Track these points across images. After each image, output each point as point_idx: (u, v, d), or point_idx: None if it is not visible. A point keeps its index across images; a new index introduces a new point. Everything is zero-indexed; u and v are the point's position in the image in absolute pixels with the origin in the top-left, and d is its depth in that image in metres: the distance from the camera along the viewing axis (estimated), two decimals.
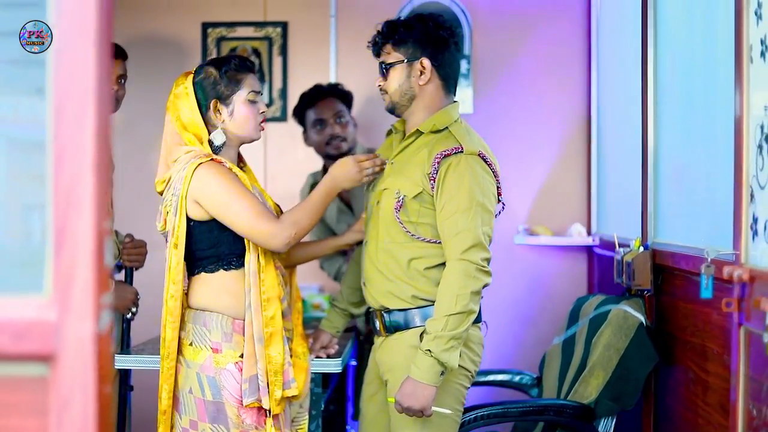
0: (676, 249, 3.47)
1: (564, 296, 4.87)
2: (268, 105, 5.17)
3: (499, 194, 3.22)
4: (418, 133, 3.23)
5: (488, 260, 3.12)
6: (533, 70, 5.10)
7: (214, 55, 5.14)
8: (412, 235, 3.16)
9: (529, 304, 5.07)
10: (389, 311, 3.22)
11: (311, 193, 3.19)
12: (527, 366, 4.61)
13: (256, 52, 5.16)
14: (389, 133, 3.43)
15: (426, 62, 3.21)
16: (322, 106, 4.62)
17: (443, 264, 3.14)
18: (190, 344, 3.09)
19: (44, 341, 1.51)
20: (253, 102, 3.17)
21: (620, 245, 3.98)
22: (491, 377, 4.19)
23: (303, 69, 5.17)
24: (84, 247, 1.52)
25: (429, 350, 3.01)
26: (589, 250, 5.03)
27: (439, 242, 3.15)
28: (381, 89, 3.30)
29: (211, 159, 3.08)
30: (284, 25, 5.16)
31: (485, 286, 3.13)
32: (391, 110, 3.31)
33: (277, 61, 5.16)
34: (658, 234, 3.82)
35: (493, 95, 5.09)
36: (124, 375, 3.96)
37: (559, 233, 5.00)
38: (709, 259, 2.75)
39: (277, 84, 5.17)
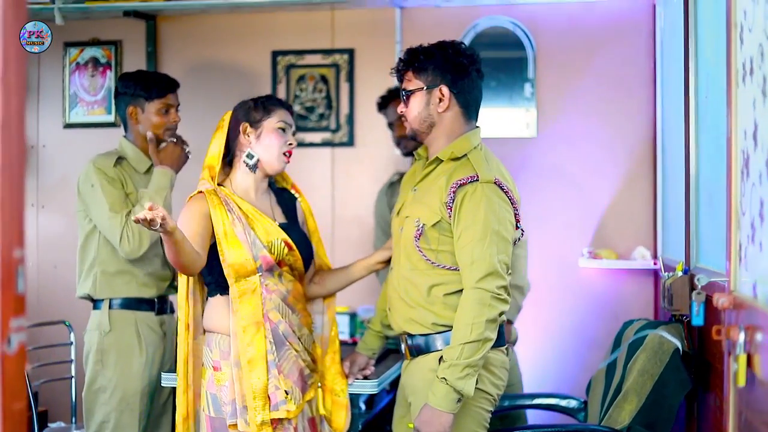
0: (709, 274, 3.42)
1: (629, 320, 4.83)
2: (335, 131, 5.28)
3: (517, 221, 3.23)
4: (438, 160, 3.27)
5: (505, 288, 3.13)
6: (598, 93, 5.07)
7: (283, 83, 5.30)
8: (432, 262, 3.20)
9: (594, 327, 5.03)
10: (412, 336, 3.27)
11: None
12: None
13: (324, 78, 5.29)
14: (416, 158, 3.47)
15: (445, 89, 3.25)
16: (389, 109, 4.72)
17: (463, 290, 3.19)
18: (203, 365, 3.25)
19: None
20: (281, 130, 3.35)
21: (667, 269, 3.94)
22: (538, 401, 4.18)
23: (369, 95, 5.27)
24: None
25: (444, 378, 3.05)
26: (655, 273, 4.96)
27: (459, 269, 3.19)
28: (402, 118, 3.35)
29: (199, 192, 3.29)
30: (351, 52, 5.27)
31: (502, 313, 3.14)
32: (412, 137, 3.36)
33: (344, 87, 5.27)
34: (701, 259, 3.77)
35: (558, 118, 5.09)
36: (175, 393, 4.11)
37: (624, 257, 4.96)
38: (699, 286, 2.72)
39: (344, 110, 5.28)
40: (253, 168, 3.36)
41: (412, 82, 3.29)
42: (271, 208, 3.43)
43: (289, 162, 3.40)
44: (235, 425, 3.17)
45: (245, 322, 3.20)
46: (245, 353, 3.17)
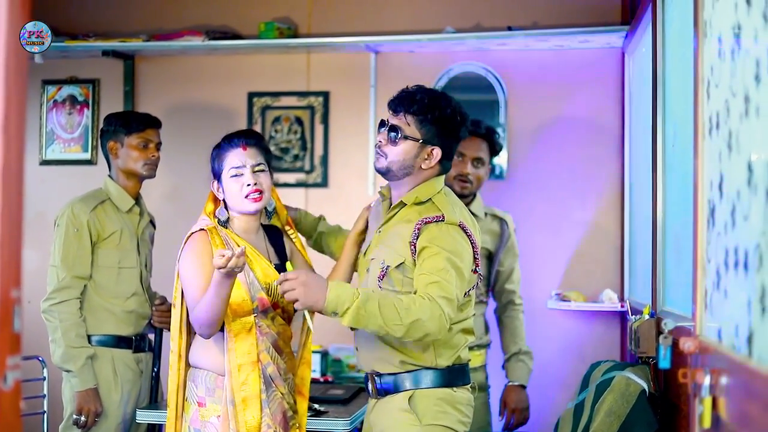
0: (675, 318, 3.51)
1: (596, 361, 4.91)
2: (309, 171, 5.36)
3: (476, 265, 3.29)
4: (402, 204, 3.32)
5: (451, 318, 3.12)
6: (567, 139, 5.19)
7: (258, 124, 5.39)
8: None
9: (562, 368, 5.11)
10: (380, 375, 3.32)
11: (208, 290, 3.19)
12: None
13: (299, 120, 5.37)
14: (381, 198, 3.51)
15: (437, 151, 3.29)
16: (470, 143, 4.44)
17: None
18: (186, 399, 3.30)
19: None
20: (235, 176, 3.35)
21: (634, 312, 4.03)
22: None
23: (343, 137, 5.37)
24: None
25: (353, 301, 3.02)
26: (621, 315, 5.06)
27: None
28: (381, 149, 3.32)
29: (201, 229, 3.32)
30: (326, 95, 5.37)
31: (427, 337, 3.10)
32: (382, 173, 3.36)
33: (319, 129, 5.36)
34: (667, 303, 3.86)
35: (528, 163, 5.19)
36: (151, 430, 4.15)
37: (592, 299, 5.05)
38: (666, 330, 2.81)
39: (319, 151, 5.37)
40: (224, 224, 3.40)
41: (410, 129, 3.27)
42: (266, 248, 3.46)
43: (259, 201, 3.36)
44: None
45: (240, 360, 3.24)
46: (239, 392, 3.21)
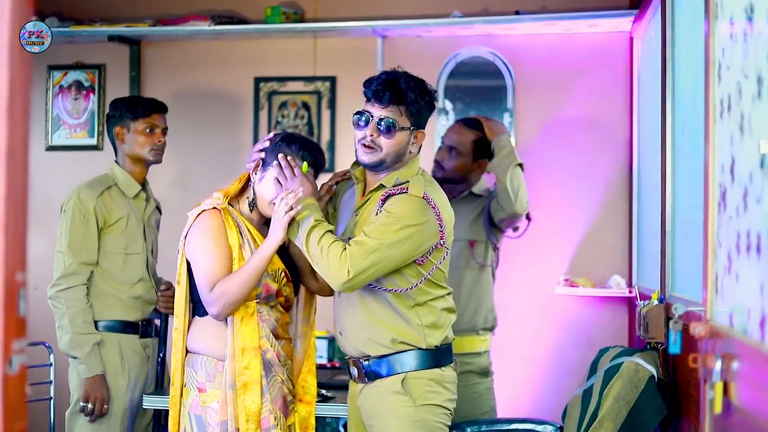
0: (685, 303, 3.49)
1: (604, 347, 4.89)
2: None
3: (441, 237, 3.27)
4: (381, 186, 3.32)
5: (352, 276, 3.14)
6: (575, 123, 5.17)
7: (265, 109, 5.37)
8: (375, 286, 3.26)
9: (569, 354, 5.10)
10: (368, 359, 3.32)
11: (248, 262, 3.23)
12: None
13: (306, 105, 5.36)
14: (355, 181, 3.49)
15: (422, 134, 3.34)
16: (450, 133, 4.56)
17: (417, 305, 3.27)
18: (184, 385, 3.29)
19: None
20: (279, 183, 3.28)
21: (642, 297, 4.02)
22: (515, 426, 4.23)
23: (350, 122, 5.28)
24: None
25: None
26: (630, 301, 5.04)
27: (401, 290, 3.26)
28: (373, 142, 3.28)
29: (214, 208, 3.27)
30: (333, 80, 5.35)
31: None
32: (373, 166, 3.33)
33: (326, 114, 5.35)
34: (675, 288, 3.84)
35: (535, 148, 5.17)
36: (158, 415, 4.15)
37: (600, 284, 5.03)
38: (676, 315, 2.79)
39: (326, 136, 5.35)
40: (250, 205, 3.37)
41: (402, 119, 3.27)
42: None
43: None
44: None
45: (244, 344, 3.21)
46: (241, 376, 3.19)
